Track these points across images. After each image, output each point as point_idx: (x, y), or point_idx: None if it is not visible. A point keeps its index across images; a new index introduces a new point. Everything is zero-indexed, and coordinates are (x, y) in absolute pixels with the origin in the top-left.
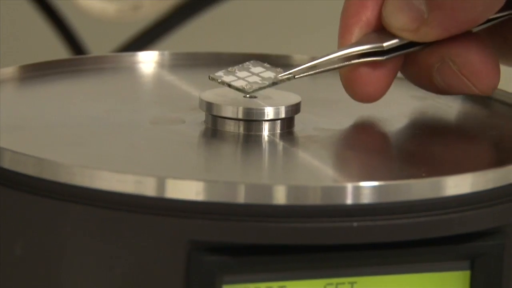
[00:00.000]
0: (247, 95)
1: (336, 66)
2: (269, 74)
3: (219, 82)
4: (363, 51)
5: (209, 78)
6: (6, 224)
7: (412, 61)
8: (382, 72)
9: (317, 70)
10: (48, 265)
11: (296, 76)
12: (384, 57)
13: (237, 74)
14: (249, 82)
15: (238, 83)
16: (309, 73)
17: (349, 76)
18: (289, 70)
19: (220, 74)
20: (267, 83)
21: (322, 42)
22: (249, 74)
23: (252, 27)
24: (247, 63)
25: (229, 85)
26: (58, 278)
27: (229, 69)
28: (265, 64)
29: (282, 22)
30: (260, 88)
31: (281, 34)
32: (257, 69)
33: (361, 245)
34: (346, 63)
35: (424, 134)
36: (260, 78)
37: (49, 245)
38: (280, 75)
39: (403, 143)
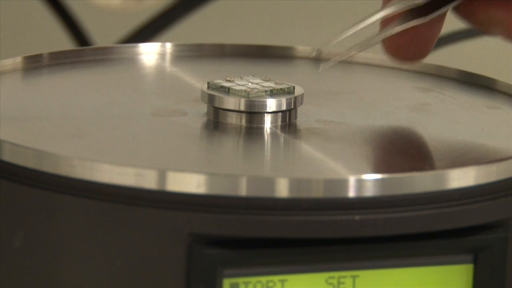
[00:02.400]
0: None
1: (379, 36)
2: (269, 84)
3: (220, 87)
4: (400, 11)
5: (208, 85)
6: (6, 217)
7: (463, 13)
8: (424, 34)
9: (356, 50)
10: (48, 258)
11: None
12: (425, 19)
13: (236, 82)
14: (249, 87)
15: (239, 88)
16: (348, 54)
17: (388, 42)
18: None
19: (219, 81)
20: (268, 90)
21: (325, 35)
22: (248, 83)
23: (255, 18)
24: (247, 76)
25: (230, 90)
26: (58, 271)
27: (228, 78)
28: (264, 77)
29: (285, 14)
30: (261, 95)
31: (284, 26)
32: (257, 80)
33: (363, 238)
34: (387, 32)
35: (427, 126)
36: (260, 86)
37: (49, 238)
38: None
39: (405, 135)
